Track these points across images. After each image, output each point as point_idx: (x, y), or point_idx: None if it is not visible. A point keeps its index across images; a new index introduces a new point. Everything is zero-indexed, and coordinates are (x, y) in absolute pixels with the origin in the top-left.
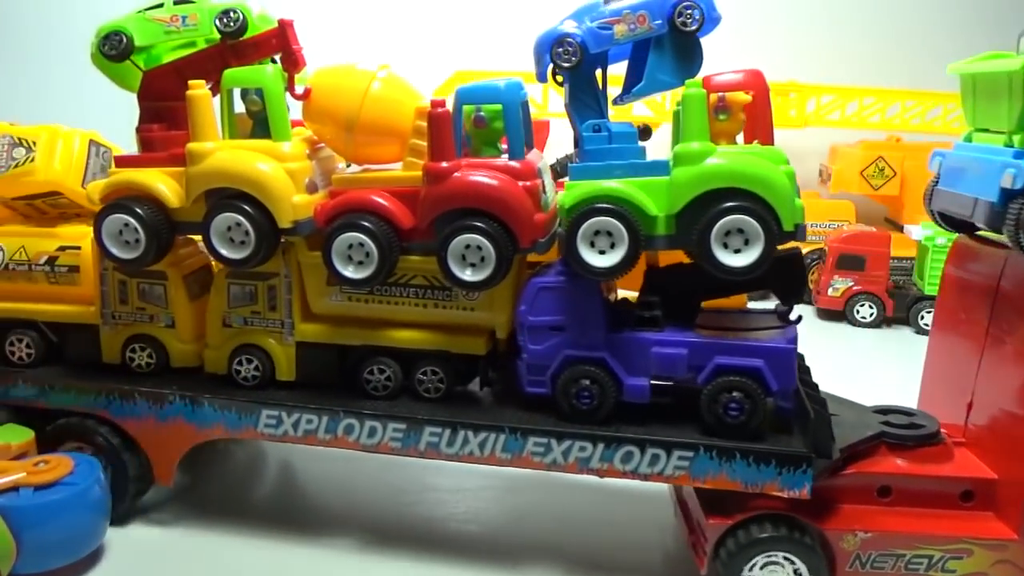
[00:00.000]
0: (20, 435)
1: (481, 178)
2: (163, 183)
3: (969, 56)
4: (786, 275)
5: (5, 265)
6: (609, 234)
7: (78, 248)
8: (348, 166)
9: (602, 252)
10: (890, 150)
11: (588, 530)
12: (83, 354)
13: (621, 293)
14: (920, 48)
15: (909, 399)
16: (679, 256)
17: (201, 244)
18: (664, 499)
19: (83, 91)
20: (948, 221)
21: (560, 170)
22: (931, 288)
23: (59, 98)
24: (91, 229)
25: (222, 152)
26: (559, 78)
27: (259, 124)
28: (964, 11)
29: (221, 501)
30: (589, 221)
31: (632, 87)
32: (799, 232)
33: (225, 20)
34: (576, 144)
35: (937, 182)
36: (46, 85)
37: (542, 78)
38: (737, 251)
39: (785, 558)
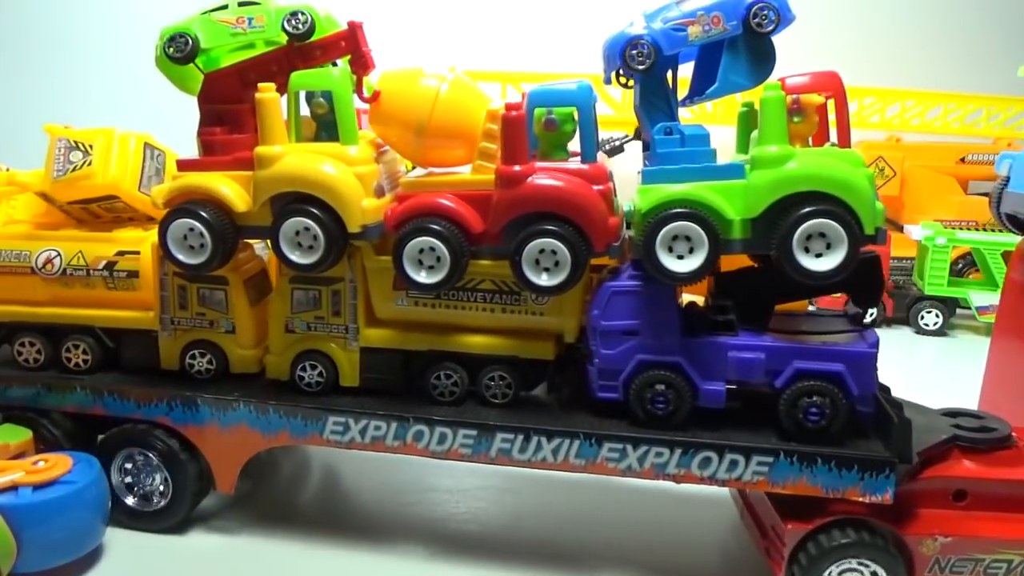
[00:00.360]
0: (18, 435)
1: (557, 182)
2: (228, 187)
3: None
4: (863, 279)
5: (63, 270)
6: (687, 239)
7: (137, 253)
8: (411, 169)
9: (680, 257)
10: (890, 150)
11: (587, 529)
12: (140, 360)
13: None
14: (920, 48)
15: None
16: (741, 260)
17: (257, 248)
18: (661, 497)
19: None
20: (1015, 223)
21: None
22: (931, 288)
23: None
24: (149, 233)
25: (291, 156)
26: (623, 79)
27: (324, 127)
28: (964, 11)
29: (219, 502)
30: (669, 226)
31: (701, 89)
32: (879, 236)
33: (294, 22)
34: (646, 147)
35: (1006, 184)
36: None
37: (608, 81)
38: (818, 255)
39: (864, 563)
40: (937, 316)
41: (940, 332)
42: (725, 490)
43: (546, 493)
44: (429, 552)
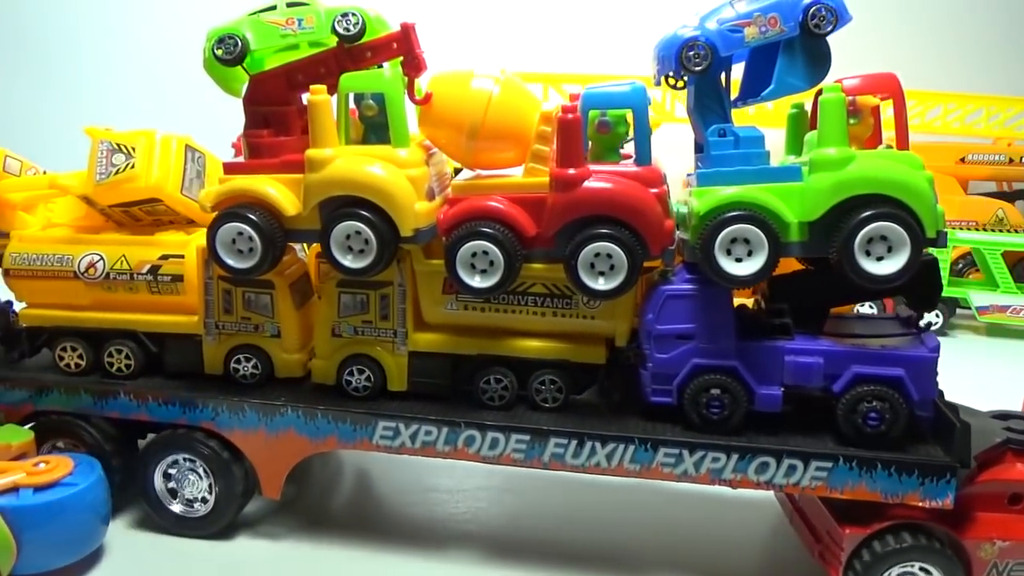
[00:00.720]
0: (19, 435)
1: (615, 185)
2: (277, 190)
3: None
4: (921, 282)
5: (106, 274)
6: (746, 241)
7: (181, 257)
8: (457, 172)
9: (738, 260)
10: None
11: (587, 529)
12: (183, 365)
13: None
14: (920, 48)
15: None
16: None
17: (298, 251)
18: (664, 496)
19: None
20: None
21: None
22: None
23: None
24: (193, 237)
25: (343, 159)
26: (672, 81)
27: (373, 129)
28: (963, 11)
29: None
30: (728, 228)
31: (753, 91)
32: (940, 239)
33: (344, 24)
34: (698, 149)
35: None
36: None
37: (658, 82)
38: (879, 259)
39: (922, 568)
40: (937, 316)
41: (940, 332)
42: (725, 490)
43: (546, 493)
44: (429, 552)
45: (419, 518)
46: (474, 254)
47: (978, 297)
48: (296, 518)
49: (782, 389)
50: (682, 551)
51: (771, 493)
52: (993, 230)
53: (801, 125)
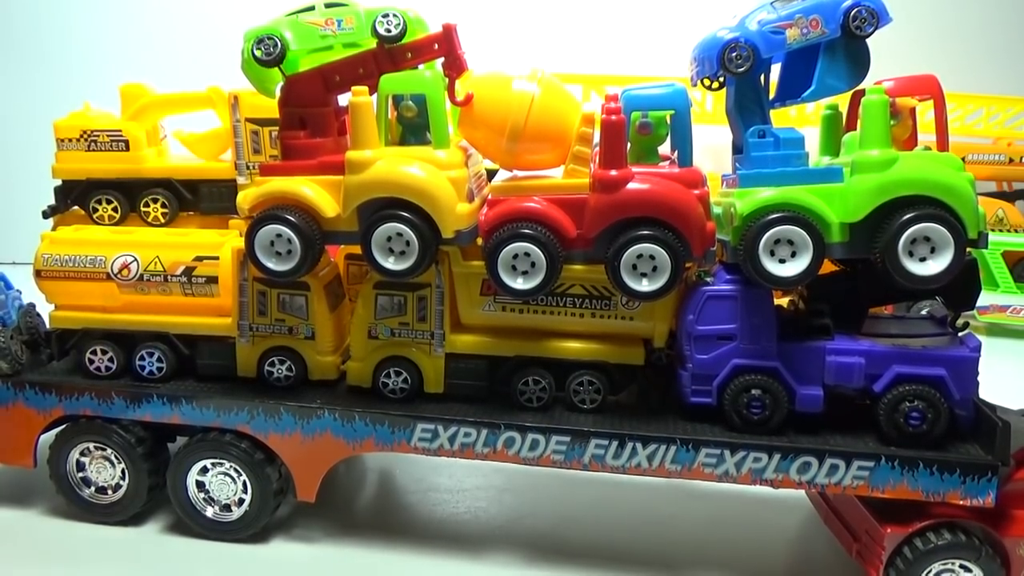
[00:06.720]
0: None
1: (658, 187)
2: (316, 192)
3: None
4: (960, 282)
5: (139, 276)
6: (790, 243)
7: (216, 258)
8: (492, 173)
9: (781, 261)
10: None
11: (588, 528)
12: (216, 368)
13: None
14: (919, 48)
15: None
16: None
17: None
18: (662, 494)
19: None
20: None
21: None
22: None
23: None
24: (227, 238)
25: (385, 161)
26: (707, 82)
27: (411, 131)
28: (963, 11)
29: None
30: (773, 229)
31: (791, 92)
32: (982, 239)
33: (386, 24)
34: (737, 150)
35: None
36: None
37: (695, 83)
38: (922, 260)
39: (962, 565)
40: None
41: None
42: (733, 487)
43: (545, 492)
44: (430, 552)
45: (419, 518)
46: (515, 256)
47: None
48: (292, 518)
49: (823, 389)
50: (685, 552)
51: (802, 492)
52: (993, 230)
53: (836, 126)
